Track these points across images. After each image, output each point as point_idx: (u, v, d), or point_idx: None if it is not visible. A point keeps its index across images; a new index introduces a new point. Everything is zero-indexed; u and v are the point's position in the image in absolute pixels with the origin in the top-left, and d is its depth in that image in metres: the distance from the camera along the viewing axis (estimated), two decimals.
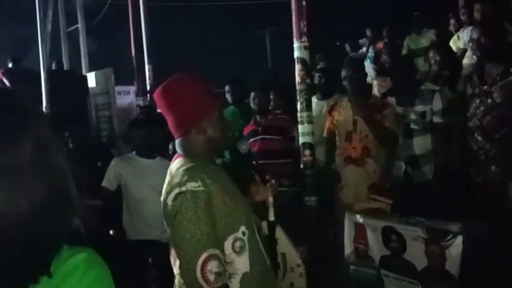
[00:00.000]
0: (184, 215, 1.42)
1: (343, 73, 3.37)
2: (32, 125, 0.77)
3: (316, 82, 4.15)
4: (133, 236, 3.37)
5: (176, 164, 1.56)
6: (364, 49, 7.28)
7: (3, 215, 0.71)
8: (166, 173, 1.66)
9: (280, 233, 1.81)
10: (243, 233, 1.51)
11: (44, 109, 5.34)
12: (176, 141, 1.62)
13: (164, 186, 1.54)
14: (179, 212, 1.42)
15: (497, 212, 2.72)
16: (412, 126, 3.30)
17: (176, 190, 1.45)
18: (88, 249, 0.81)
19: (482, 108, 2.83)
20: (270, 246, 1.75)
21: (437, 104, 3.24)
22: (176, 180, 1.48)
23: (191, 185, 1.44)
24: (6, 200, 0.72)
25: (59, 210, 0.78)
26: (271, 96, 4.22)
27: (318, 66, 4.27)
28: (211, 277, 1.39)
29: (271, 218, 1.81)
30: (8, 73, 6.14)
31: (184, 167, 1.51)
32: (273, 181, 1.85)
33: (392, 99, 3.43)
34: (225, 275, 1.45)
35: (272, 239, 1.78)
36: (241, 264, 1.50)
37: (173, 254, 1.55)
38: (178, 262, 1.51)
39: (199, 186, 1.44)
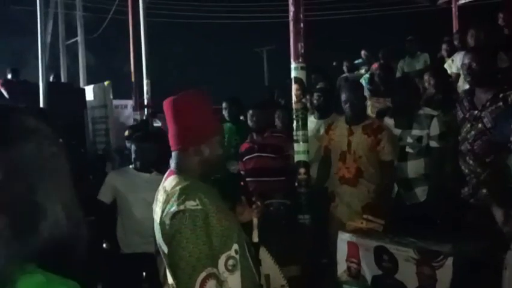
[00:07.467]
0: (183, 233, 1.40)
1: (343, 96, 3.37)
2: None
3: (315, 102, 4.21)
4: (127, 250, 3.37)
5: (170, 182, 1.55)
6: (363, 71, 7.39)
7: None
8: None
9: (264, 254, 1.79)
10: (236, 251, 1.51)
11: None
12: (173, 153, 1.62)
13: (159, 204, 1.53)
14: (178, 231, 1.41)
15: (488, 235, 2.75)
16: (407, 149, 3.33)
17: (175, 208, 1.44)
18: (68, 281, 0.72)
19: (473, 132, 2.89)
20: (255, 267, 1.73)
21: (435, 129, 3.25)
22: (173, 198, 1.47)
23: (189, 204, 1.43)
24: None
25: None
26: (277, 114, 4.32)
27: (317, 86, 4.35)
28: None
29: (255, 239, 1.80)
30: (6, 84, 6.15)
31: (179, 186, 1.50)
32: (258, 203, 1.85)
33: (390, 121, 3.47)
34: None
35: (256, 260, 1.76)
36: (233, 282, 1.50)
37: (164, 272, 1.54)
38: (171, 281, 1.49)
39: (197, 205, 1.44)
